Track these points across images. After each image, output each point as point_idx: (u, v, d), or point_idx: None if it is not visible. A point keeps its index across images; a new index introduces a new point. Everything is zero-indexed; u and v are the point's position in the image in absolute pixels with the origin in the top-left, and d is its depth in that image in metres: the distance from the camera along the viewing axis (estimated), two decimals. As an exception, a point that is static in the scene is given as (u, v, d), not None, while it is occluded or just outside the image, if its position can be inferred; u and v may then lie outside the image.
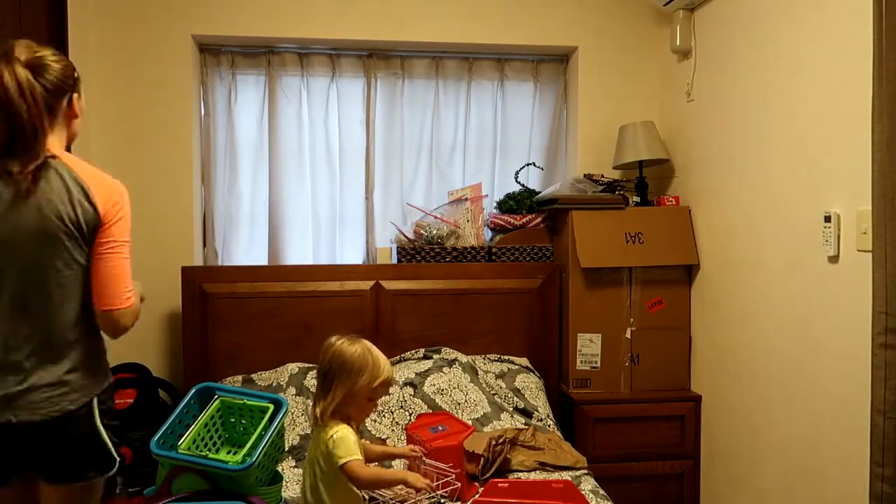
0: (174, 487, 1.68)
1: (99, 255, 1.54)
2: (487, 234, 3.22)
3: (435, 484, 1.93)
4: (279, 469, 1.97)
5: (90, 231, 1.52)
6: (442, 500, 2.06)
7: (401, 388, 2.63)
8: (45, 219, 1.47)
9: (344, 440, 1.71)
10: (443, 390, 2.64)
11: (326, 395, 1.77)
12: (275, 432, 1.79)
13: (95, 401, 1.56)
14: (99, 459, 1.58)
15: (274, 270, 2.96)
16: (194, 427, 1.80)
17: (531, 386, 2.84)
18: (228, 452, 1.89)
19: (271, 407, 1.87)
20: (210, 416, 1.86)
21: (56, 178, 1.49)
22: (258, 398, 1.91)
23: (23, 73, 1.45)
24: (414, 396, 2.61)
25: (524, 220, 3.10)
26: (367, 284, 2.93)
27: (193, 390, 1.90)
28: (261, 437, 1.76)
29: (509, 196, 3.19)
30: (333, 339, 1.83)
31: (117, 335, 1.59)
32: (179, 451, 1.71)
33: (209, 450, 1.83)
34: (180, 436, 1.78)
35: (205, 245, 3.19)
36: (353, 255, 3.31)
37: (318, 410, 1.77)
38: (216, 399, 1.89)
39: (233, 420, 1.92)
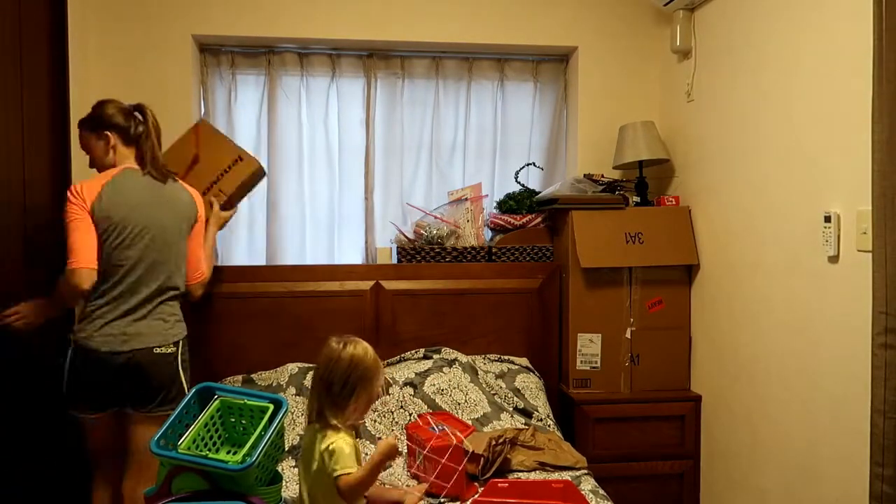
0: (174, 487, 1.68)
1: None
2: (487, 234, 3.21)
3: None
4: (279, 469, 1.97)
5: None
6: (442, 500, 2.07)
7: (401, 388, 2.64)
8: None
9: (341, 451, 1.70)
10: (443, 390, 2.64)
11: (347, 403, 1.76)
12: (275, 432, 1.79)
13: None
14: None
15: (273, 270, 2.96)
16: (194, 427, 1.80)
17: (531, 386, 2.83)
18: (228, 452, 1.89)
19: (271, 407, 1.87)
20: (210, 415, 1.86)
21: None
22: (258, 398, 1.91)
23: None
24: (414, 396, 2.61)
25: (524, 220, 3.10)
26: (366, 284, 2.94)
27: (193, 390, 1.90)
28: (261, 436, 1.76)
29: (509, 196, 3.19)
30: (339, 346, 1.80)
31: None
32: (179, 450, 1.71)
33: (209, 450, 1.83)
34: (180, 435, 1.78)
35: (205, 245, 3.19)
36: (352, 255, 3.31)
37: (335, 421, 1.75)
38: (216, 399, 1.89)
39: (233, 420, 1.92)
